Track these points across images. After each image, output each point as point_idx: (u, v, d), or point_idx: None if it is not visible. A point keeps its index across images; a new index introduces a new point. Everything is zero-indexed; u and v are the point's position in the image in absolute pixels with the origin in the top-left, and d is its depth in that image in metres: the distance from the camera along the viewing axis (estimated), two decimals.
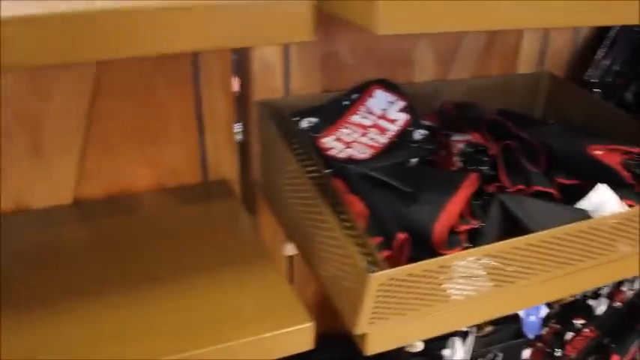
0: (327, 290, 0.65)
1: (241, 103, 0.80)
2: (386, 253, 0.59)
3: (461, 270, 0.62)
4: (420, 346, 0.86)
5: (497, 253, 0.61)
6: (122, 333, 0.58)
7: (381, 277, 0.54)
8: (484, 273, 0.64)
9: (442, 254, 0.59)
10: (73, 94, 0.71)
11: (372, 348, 0.61)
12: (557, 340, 0.98)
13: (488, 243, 0.62)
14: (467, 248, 0.63)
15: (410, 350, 0.85)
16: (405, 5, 0.45)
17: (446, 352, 0.81)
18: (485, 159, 0.75)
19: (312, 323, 0.59)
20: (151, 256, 0.68)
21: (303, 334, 0.59)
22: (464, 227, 0.64)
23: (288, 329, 0.58)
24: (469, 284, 0.63)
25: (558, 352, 0.98)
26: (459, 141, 0.77)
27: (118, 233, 0.73)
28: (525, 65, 0.91)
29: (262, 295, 0.62)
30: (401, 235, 0.58)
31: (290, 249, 0.84)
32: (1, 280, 0.63)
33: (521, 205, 0.68)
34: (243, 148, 0.83)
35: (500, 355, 0.94)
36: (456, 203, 0.64)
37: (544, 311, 1.00)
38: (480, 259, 0.62)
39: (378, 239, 0.59)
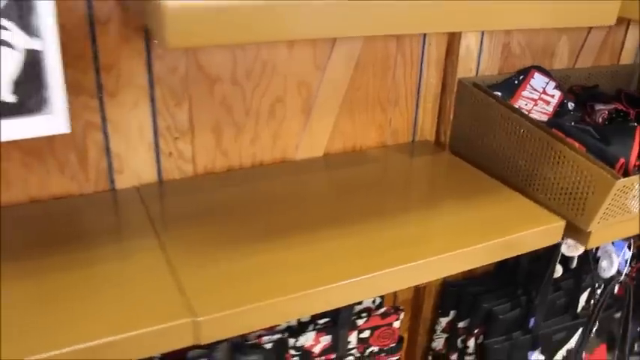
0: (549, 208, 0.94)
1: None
2: None
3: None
4: (560, 272, 1.17)
5: None
6: (412, 240, 0.83)
7: (622, 182, 0.84)
8: None
9: None
10: (342, 67, 0.97)
11: (592, 243, 0.91)
12: None
13: None
14: None
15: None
16: None
17: (603, 264, 1.13)
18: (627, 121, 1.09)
19: (563, 222, 0.88)
20: (398, 193, 0.95)
21: (555, 231, 0.88)
22: (638, 163, 0.97)
23: (544, 227, 0.87)
24: None
25: None
26: (603, 109, 1.10)
27: (362, 179, 0.99)
28: (626, 57, 1.27)
29: (514, 208, 0.91)
30: (622, 159, 0.89)
31: None
32: (267, 213, 0.86)
33: None
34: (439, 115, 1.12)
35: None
36: (636, 145, 0.96)
37: (628, 254, 1.34)
38: None
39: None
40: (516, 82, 1.11)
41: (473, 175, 1.01)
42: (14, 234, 0.78)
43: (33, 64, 0.61)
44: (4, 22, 0.58)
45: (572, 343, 1.25)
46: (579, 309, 1.25)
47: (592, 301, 1.27)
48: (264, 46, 0.90)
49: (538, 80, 1.12)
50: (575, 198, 0.90)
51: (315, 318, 1.02)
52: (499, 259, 0.86)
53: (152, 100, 0.86)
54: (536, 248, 0.89)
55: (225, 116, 0.92)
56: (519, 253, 0.87)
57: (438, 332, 1.25)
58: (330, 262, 0.75)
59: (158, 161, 0.90)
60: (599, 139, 0.97)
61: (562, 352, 1.25)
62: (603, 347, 1.34)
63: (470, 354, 1.21)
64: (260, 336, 0.96)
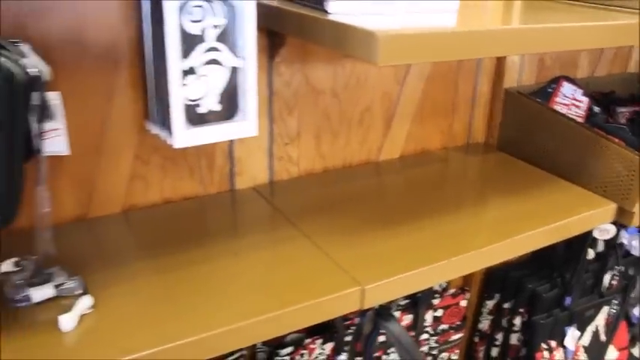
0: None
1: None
2: None
3: None
4: (592, 255, 1.38)
5: None
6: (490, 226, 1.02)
7: None
8: None
9: None
10: (417, 81, 1.16)
11: (635, 222, 1.12)
12: None
13: None
14: None
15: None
16: None
17: (634, 243, 1.34)
18: None
19: (615, 205, 1.08)
20: (464, 188, 1.13)
21: (608, 213, 1.08)
22: None
23: (599, 209, 1.07)
24: None
25: None
26: (624, 111, 1.32)
27: (432, 176, 1.17)
28: (633, 67, 1.51)
29: (569, 195, 1.10)
30: None
31: None
32: (366, 205, 1.03)
33: None
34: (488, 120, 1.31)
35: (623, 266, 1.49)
36: None
37: None
38: None
39: None
40: (549, 90, 1.32)
41: (528, 170, 1.20)
42: (166, 229, 0.92)
43: (235, 79, 0.76)
44: (219, 45, 0.74)
45: (598, 319, 1.46)
46: (603, 289, 1.46)
47: (614, 281, 1.49)
48: (359, 63, 1.07)
49: (567, 88, 1.34)
50: (619, 184, 1.11)
51: (394, 300, 1.18)
52: (564, 237, 1.05)
53: (270, 110, 1.02)
54: (592, 228, 1.09)
55: (325, 124, 1.09)
56: (579, 233, 1.06)
57: (484, 314, 1.44)
58: (434, 245, 0.92)
59: (271, 164, 1.06)
60: (633, 135, 1.19)
61: (591, 327, 1.45)
62: (624, 324, 1.56)
63: (516, 331, 1.39)
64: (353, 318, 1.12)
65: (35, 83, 0.56)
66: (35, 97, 0.57)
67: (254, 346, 1.12)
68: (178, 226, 0.93)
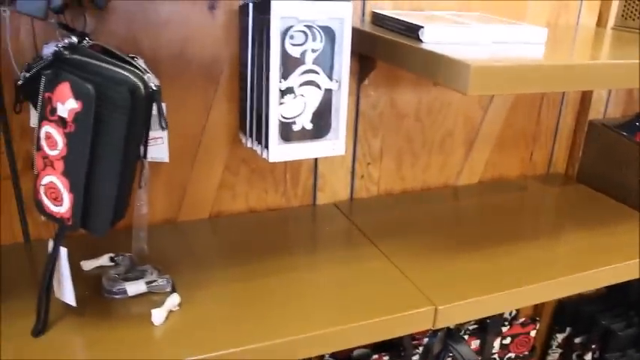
0: None
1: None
2: None
3: None
4: None
5: None
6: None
7: None
8: None
9: None
10: (501, 108, 1.17)
11: None
12: None
13: None
14: None
15: None
16: None
17: None
18: None
19: None
20: (540, 218, 1.13)
21: None
22: None
23: None
24: None
25: None
26: None
27: (509, 204, 1.17)
28: None
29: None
30: None
31: None
32: (444, 229, 1.05)
33: None
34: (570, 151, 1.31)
35: None
36: None
37: None
38: None
39: None
40: (637, 123, 1.30)
41: (608, 203, 1.19)
42: (250, 238, 0.97)
43: (328, 100, 0.80)
44: (316, 68, 0.78)
45: None
46: None
47: None
48: (444, 89, 1.10)
49: None
50: None
51: (463, 324, 1.19)
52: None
53: (355, 130, 1.06)
54: None
55: (407, 147, 1.11)
56: None
57: (554, 347, 1.42)
58: (508, 272, 0.92)
59: (352, 182, 1.09)
60: None
61: None
62: None
63: None
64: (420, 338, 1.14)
65: (154, 96, 0.62)
66: (153, 109, 0.63)
67: (322, 357, 1.15)
68: (261, 235, 0.98)
